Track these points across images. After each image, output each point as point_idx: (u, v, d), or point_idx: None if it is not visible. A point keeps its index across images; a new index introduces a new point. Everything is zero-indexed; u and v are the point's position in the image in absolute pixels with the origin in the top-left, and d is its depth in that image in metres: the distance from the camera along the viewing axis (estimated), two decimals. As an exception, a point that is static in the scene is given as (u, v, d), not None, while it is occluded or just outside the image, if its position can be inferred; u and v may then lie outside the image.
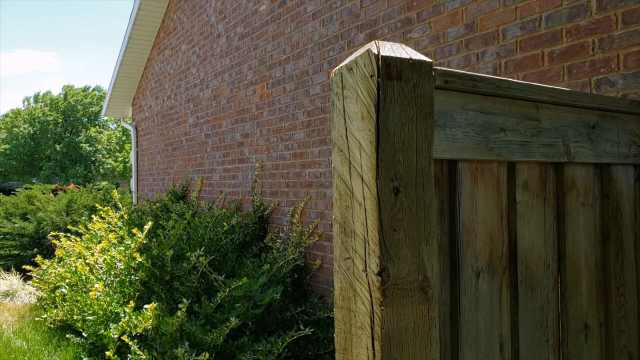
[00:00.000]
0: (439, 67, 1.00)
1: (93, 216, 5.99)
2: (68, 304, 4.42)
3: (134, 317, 3.51)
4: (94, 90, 33.40)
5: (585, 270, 1.37)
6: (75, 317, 4.21)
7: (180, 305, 3.40)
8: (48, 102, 32.04)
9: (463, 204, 1.10)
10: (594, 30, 2.27)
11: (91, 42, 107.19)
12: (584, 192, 1.43)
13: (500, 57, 2.71)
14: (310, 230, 4.34)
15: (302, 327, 3.32)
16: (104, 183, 25.27)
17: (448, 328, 1.07)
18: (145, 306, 3.55)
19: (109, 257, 4.40)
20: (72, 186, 13.05)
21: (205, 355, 3.05)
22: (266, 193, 5.07)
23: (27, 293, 7.10)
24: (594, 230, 1.45)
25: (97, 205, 6.72)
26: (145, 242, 4.39)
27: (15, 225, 9.06)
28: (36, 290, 6.53)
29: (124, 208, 6.34)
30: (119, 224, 5.76)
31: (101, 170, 30.71)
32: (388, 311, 0.88)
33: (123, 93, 9.72)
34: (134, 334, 3.56)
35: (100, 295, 3.94)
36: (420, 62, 0.94)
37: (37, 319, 5.58)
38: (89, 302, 4.00)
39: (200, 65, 6.68)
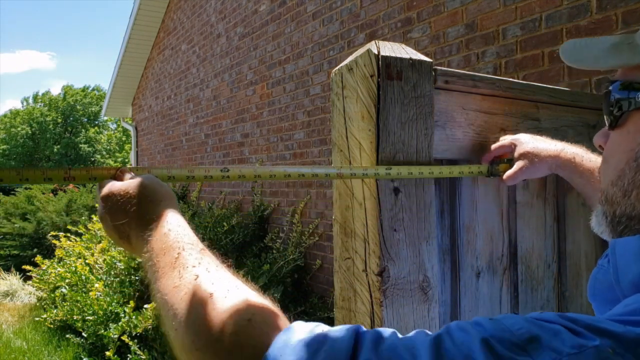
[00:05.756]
0: (439, 67, 1.00)
1: (93, 216, 5.98)
2: (68, 304, 4.41)
3: (134, 317, 3.51)
4: (93, 90, 33.37)
5: (586, 270, 1.37)
6: (75, 317, 4.20)
7: (180, 305, 3.40)
8: (47, 102, 32.00)
9: (463, 204, 1.10)
10: (594, 30, 2.27)
11: (91, 42, 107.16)
12: (584, 192, 1.42)
13: (501, 57, 2.71)
14: (310, 230, 4.34)
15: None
16: (103, 183, 25.16)
17: (448, 328, 1.07)
18: (145, 306, 3.55)
19: (108, 257, 4.39)
20: (71, 186, 13.01)
21: (205, 356, 3.04)
22: (266, 193, 5.07)
23: (27, 293, 7.09)
24: (594, 230, 1.45)
25: (97, 205, 6.69)
26: (145, 242, 4.38)
27: (15, 225, 9.04)
28: (36, 290, 6.51)
29: (124, 208, 6.32)
30: (119, 224, 5.73)
31: (101, 171, 30.64)
32: (388, 311, 0.88)
33: (123, 93, 9.72)
34: (134, 334, 3.56)
35: (100, 295, 3.94)
36: (421, 62, 0.94)
37: (37, 319, 5.57)
38: (89, 302, 3.99)
39: (200, 65, 6.68)
